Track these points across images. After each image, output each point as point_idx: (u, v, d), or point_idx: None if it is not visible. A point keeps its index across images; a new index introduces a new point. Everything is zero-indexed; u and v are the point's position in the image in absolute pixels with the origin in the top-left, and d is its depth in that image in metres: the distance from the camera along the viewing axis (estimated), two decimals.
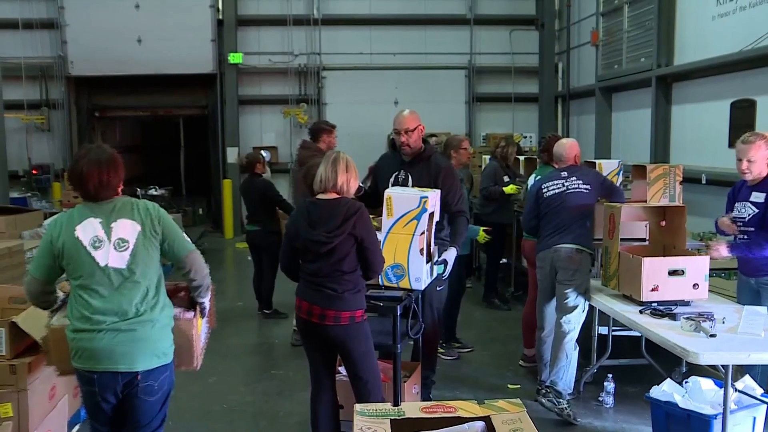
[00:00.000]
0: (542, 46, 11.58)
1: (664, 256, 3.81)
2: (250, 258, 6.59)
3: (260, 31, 11.53)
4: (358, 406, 1.95)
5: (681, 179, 4.75)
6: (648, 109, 8.16)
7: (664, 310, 3.51)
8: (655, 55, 7.93)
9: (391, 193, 3.42)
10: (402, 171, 3.91)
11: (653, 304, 3.59)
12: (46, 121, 11.40)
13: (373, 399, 3.04)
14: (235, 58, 11.24)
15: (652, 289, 3.60)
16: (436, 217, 3.54)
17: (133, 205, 2.61)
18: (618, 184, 4.82)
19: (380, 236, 3.31)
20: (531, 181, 5.22)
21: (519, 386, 4.54)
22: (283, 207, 6.16)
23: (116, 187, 2.61)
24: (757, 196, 3.58)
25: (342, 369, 3.35)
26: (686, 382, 3.52)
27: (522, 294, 6.34)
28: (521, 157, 7.08)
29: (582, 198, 4.10)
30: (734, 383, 3.22)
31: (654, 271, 3.59)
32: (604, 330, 4.45)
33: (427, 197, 3.34)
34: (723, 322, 3.27)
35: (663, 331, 3.26)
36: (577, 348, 4.07)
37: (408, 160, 3.91)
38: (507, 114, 11.83)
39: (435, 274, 3.61)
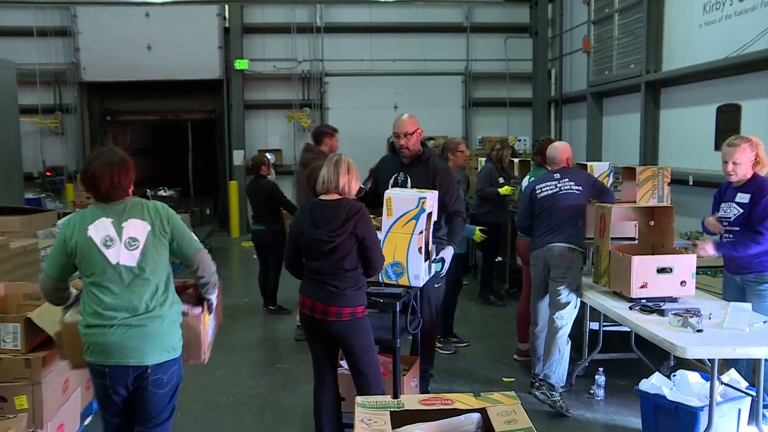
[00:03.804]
0: (536, 53, 11.67)
1: (652, 254, 3.85)
2: (255, 256, 6.61)
3: (265, 39, 11.63)
4: (359, 399, 1.98)
5: (669, 181, 4.81)
6: (637, 114, 8.23)
7: (652, 306, 3.56)
8: (644, 61, 8.01)
9: (391, 194, 3.47)
10: (401, 173, 3.95)
11: (642, 301, 3.64)
12: (59, 125, 11.51)
13: (373, 391, 3.07)
14: (241, 64, 11.35)
15: (642, 286, 3.65)
16: (434, 217, 3.59)
17: (144, 206, 2.64)
18: (608, 185, 4.89)
19: (380, 235, 3.35)
20: (525, 182, 5.28)
21: (513, 379, 4.58)
22: (287, 207, 6.23)
23: (127, 188, 2.64)
24: (742, 197, 3.63)
25: (344, 363, 3.41)
26: (674, 376, 3.57)
27: (516, 291, 6.38)
28: (516, 160, 7.12)
29: (574, 199, 4.15)
30: (720, 376, 3.29)
31: (643, 269, 3.64)
32: (595, 325, 4.50)
33: (425, 198, 3.39)
34: (709, 318, 3.34)
35: (652, 326, 3.31)
36: (570, 343, 4.11)
37: (407, 162, 3.95)
38: (502, 118, 11.94)
39: (433, 272, 3.66)
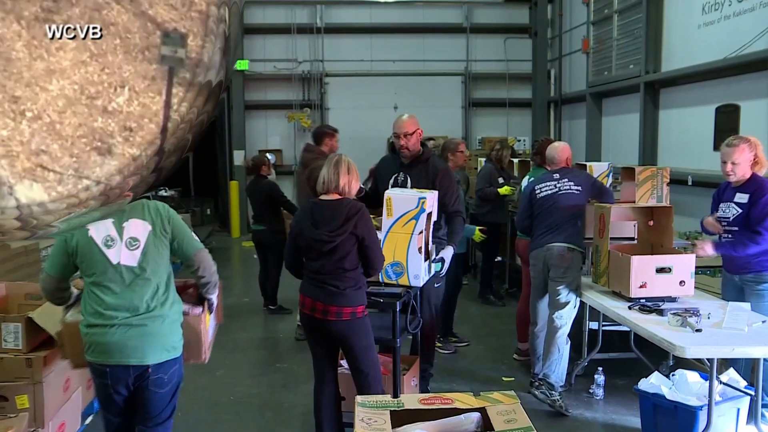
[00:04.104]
0: (535, 54, 11.70)
1: (652, 254, 3.85)
2: (255, 256, 6.62)
3: (265, 39, 11.65)
4: (359, 398, 2.00)
5: (668, 181, 4.82)
6: (636, 114, 8.25)
7: (651, 306, 3.56)
8: (643, 62, 8.03)
9: (391, 194, 3.47)
10: (401, 173, 3.95)
11: (641, 301, 3.64)
12: None
13: (373, 391, 3.06)
14: (241, 65, 11.31)
15: (641, 286, 3.65)
16: (434, 217, 3.59)
17: (144, 206, 2.63)
18: (608, 185, 4.90)
19: (380, 235, 3.35)
20: (524, 182, 5.27)
21: (513, 379, 4.59)
22: (288, 207, 6.24)
23: None
24: (741, 197, 3.63)
25: (344, 362, 3.41)
26: (673, 375, 3.57)
27: (516, 291, 6.38)
28: (515, 160, 7.14)
29: (573, 199, 4.15)
30: (719, 376, 3.30)
31: (642, 269, 3.65)
32: (594, 325, 4.50)
33: (425, 198, 3.39)
34: (708, 318, 3.34)
35: (651, 326, 3.32)
36: (569, 342, 4.12)
37: (407, 163, 3.96)
38: (501, 118, 11.97)
39: (433, 272, 3.66)
